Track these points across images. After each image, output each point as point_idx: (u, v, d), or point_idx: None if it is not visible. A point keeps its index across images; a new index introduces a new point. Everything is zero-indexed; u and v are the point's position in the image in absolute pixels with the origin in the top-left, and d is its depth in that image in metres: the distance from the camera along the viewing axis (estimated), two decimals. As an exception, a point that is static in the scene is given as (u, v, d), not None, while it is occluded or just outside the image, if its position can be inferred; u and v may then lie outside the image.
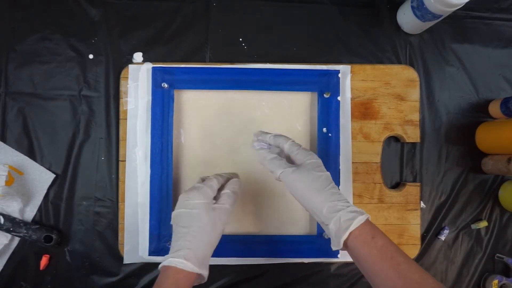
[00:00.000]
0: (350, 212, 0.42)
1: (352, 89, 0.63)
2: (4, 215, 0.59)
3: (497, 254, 0.65)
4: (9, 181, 0.60)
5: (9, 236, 0.60)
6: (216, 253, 0.60)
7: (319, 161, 0.48)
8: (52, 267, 0.61)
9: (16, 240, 0.61)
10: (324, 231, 0.59)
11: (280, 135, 0.50)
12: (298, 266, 0.62)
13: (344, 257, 0.61)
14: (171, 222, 0.47)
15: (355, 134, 0.63)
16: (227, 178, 0.52)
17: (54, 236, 0.59)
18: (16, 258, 0.61)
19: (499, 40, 0.67)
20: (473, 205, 0.65)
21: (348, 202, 0.44)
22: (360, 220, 0.41)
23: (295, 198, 0.46)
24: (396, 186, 0.65)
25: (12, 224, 0.58)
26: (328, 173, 0.47)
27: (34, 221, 0.61)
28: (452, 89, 0.66)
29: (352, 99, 0.63)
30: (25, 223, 0.59)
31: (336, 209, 0.42)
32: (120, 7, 0.64)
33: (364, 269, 0.41)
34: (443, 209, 0.65)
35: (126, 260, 0.60)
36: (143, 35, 0.64)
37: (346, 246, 0.42)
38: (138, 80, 0.61)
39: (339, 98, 0.61)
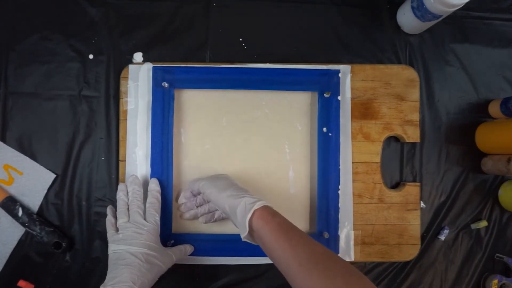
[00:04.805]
0: (253, 198, 0.49)
1: (352, 89, 0.63)
2: (23, 208, 0.59)
3: (497, 254, 0.65)
4: (9, 181, 0.60)
5: (23, 230, 0.60)
6: (216, 253, 0.60)
7: (220, 174, 0.59)
8: (52, 267, 0.61)
9: (16, 240, 0.61)
10: (324, 231, 0.59)
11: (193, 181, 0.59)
12: (298, 266, 0.62)
13: (343, 257, 0.61)
14: None
15: (355, 134, 0.63)
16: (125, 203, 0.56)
17: (64, 245, 0.59)
18: (17, 257, 0.61)
19: (499, 40, 0.67)
20: (473, 205, 0.65)
21: (250, 194, 0.50)
22: (262, 202, 0.48)
23: (215, 205, 0.53)
24: (396, 186, 0.65)
25: (28, 220, 0.59)
26: (227, 175, 0.58)
27: (49, 222, 0.61)
28: (452, 89, 0.66)
29: (352, 99, 0.63)
30: (41, 222, 0.59)
31: (241, 197, 0.49)
32: (120, 7, 0.64)
33: (267, 248, 0.46)
34: (443, 209, 0.65)
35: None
36: (143, 35, 0.64)
37: (251, 230, 0.47)
38: (138, 80, 0.61)
39: (339, 97, 0.61)
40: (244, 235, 0.47)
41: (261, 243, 0.47)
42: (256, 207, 0.47)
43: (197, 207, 0.59)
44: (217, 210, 0.58)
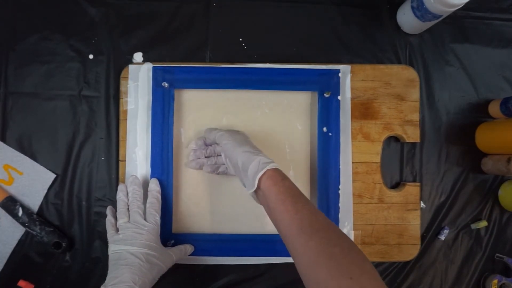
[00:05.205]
0: (267, 158, 0.49)
1: (352, 89, 0.63)
2: (23, 208, 0.59)
3: (497, 254, 0.65)
4: (9, 181, 0.60)
5: (23, 230, 0.60)
6: (216, 253, 0.61)
7: (239, 131, 0.60)
8: (52, 267, 0.61)
9: (16, 240, 0.61)
10: None
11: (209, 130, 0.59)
12: (298, 266, 0.62)
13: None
14: None
15: (355, 134, 0.63)
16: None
17: (64, 245, 0.59)
18: (17, 257, 0.61)
19: (499, 40, 0.67)
20: (473, 205, 0.65)
21: (265, 155, 0.51)
22: (275, 164, 0.48)
23: (227, 157, 0.54)
24: (396, 186, 0.65)
25: (28, 220, 0.59)
26: (244, 132, 0.60)
27: (49, 222, 0.61)
28: (452, 89, 0.66)
29: (352, 99, 0.63)
30: (41, 222, 0.59)
31: (256, 154, 0.50)
32: (120, 7, 0.64)
33: (270, 208, 0.46)
34: (443, 209, 0.65)
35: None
36: (143, 35, 0.64)
37: (259, 189, 0.47)
38: (138, 80, 0.61)
39: (339, 97, 0.61)
40: (251, 191, 0.48)
41: (265, 203, 0.47)
42: (269, 167, 0.47)
43: (205, 157, 0.59)
44: (223, 164, 0.58)
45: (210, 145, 0.59)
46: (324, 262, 0.39)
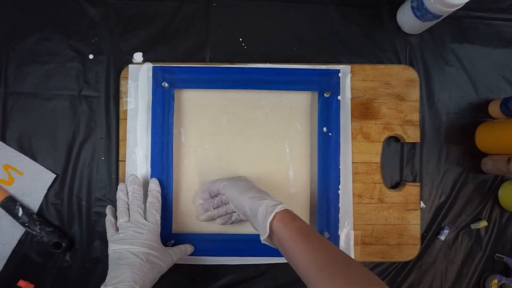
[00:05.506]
0: (274, 200, 0.49)
1: (352, 89, 0.63)
2: (23, 208, 0.59)
3: (497, 254, 0.65)
4: (9, 181, 0.60)
5: (23, 230, 0.60)
6: (216, 253, 0.60)
7: (240, 176, 0.60)
8: (52, 267, 0.61)
9: (16, 240, 0.61)
10: (324, 231, 0.59)
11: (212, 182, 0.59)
12: (298, 266, 0.62)
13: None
14: None
15: (355, 134, 0.63)
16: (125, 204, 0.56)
17: (64, 245, 0.59)
18: (17, 257, 0.61)
19: (499, 40, 0.67)
20: (473, 205, 0.65)
21: (271, 196, 0.51)
22: (283, 206, 0.48)
23: (235, 207, 0.54)
24: (396, 186, 0.65)
25: (28, 220, 0.59)
26: (247, 178, 0.60)
27: (49, 222, 0.61)
28: (452, 89, 0.66)
29: (352, 99, 0.63)
30: (41, 222, 0.59)
31: (262, 199, 0.49)
32: (120, 7, 0.64)
33: (286, 250, 0.46)
34: (443, 209, 0.65)
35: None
36: (143, 35, 0.64)
37: (272, 232, 0.47)
38: (138, 80, 0.61)
39: (339, 97, 0.61)
40: (264, 237, 0.47)
41: (280, 246, 0.47)
42: (277, 210, 0.47)
43: (214, 208, 0.59)
44: (235, 212, 0.57)
45: (216, 196, 0.59)
46: None
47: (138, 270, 0.49)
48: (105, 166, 0.62)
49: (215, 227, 0.61)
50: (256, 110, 0.63)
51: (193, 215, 0.61)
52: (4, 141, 0.62)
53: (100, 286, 0.47)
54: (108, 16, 0.63)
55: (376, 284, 0.40)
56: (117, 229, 0.54)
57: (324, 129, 0.60)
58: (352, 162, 0.62)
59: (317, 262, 0.42)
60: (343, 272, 0.41)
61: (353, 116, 0.63)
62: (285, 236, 0.45)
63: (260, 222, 0.48)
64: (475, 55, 0.66)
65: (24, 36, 0.63)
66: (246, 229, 0.62)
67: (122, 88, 0.61)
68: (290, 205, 0.61)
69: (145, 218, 0.54)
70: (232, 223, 0.59)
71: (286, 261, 0.61)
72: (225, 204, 0.58)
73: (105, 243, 0.61)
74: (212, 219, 0.59)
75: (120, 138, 0.61)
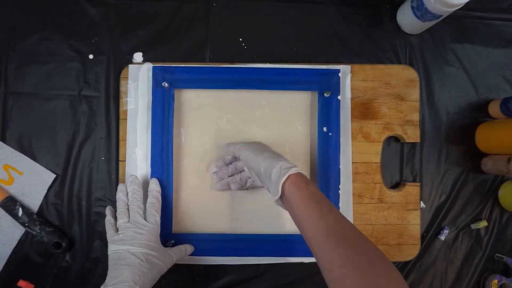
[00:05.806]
0: (289, 163, 0.48)
1: (352, 89, 0.63)
2: (23, 208, 0.59)
3: (497, 254, 0.65)
4: (9, 181, 0.60)
5: (23, 230, 0.60)
6: (216, 253, 0.60)
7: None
8: (52, 267, 0.61)
9: (16, 240, 0.61)
10: None
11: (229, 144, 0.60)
12: (298, 266, 0.62)
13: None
14: None
15: (355, 134, 0.63)
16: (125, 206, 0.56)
17: (64, 245, 0.59)
18: (17, 257, 0.61)
19: (499, 40, 0.67)
20: (473, 205, 0.65)
21: (286, 159, 0.50)
22: (297, 169, 0.47)
23: (250, 169, 0.54)
24: (396, 186, 0.65)
25: (28, 220, 0.59)
26: (261, 141, 0.60)
27: (49, 222, 0.61)
28: (452, 89, 0.66)
29: (352, 99, 0.63)
30: (40, 222, 0.59)
31: (277, 160, 0.49)
32: (120, 7, 0.64)
33: (295, 214, 0.45)
34: (443, 209, 0.65)
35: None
36: (143, 35, 0.64)
37: (283, 195, 0.47)
38: (138, 80, 0.61)
39: (339, 97, 0.61)
40: (275, 198, 0.47)
41: (290, 209, 0.47)
42: (291, 172, 0.46)
43: (228, 176, 0.59)
44: (249, 178, 0.57)
45: (231, 163, 0.59)
46: (351, 272, 0.38)
47: (137, 271, 0.49)
48: (105, 166, 0.62)
49: (215, 227, 0.61)
50: (256, 110, 0.63)
51: (193, 215, 0.62)
52: (4, 141, 0.62)
53: (100, 286, 0.47)
54: (108, 16, 0.63)
55: (383, 260, 0.39)
56: (117, 230, 0.54)
57: (324, 129, 0.60)
58: (352, 162, 0.62)
59: (325, 229, 0.42)
60: (351, 241, 0.40)
61: (353, 116, 0.63)
62: (296, 199, 0.45)
63: (273, 182, 0.47)
64: (475, 55, 0.66)
65: (24, 36, 0.63)
66: (245, 229, 0.62)
67: (122, 88, 0.61)
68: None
69: (144, 219, 0.54)
70: (247, 188, 0.59)
71: (286, 261, 0.62)
72: (240, 172, 0.58)
73: (105, 243, 0.61)
74: (227, 187, 0.59)
75: (120, 138, 0.61)
